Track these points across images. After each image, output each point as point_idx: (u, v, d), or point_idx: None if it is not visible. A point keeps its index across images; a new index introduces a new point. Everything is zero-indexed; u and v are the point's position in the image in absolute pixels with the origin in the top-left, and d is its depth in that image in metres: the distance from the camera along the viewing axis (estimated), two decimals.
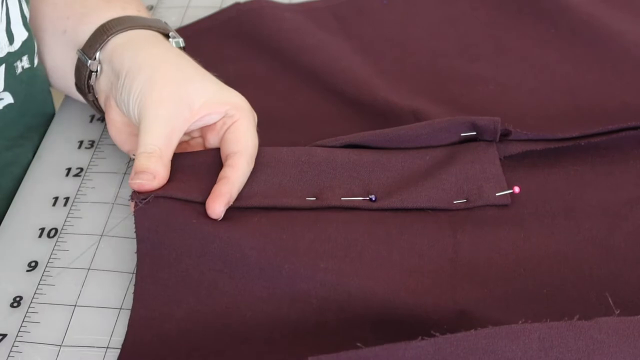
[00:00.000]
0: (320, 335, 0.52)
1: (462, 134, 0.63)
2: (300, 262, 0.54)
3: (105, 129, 0.71)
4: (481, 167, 0.61)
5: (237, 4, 0.81)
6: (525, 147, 0.62)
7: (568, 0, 0.77)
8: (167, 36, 0.66)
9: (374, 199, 0.59)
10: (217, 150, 0.61)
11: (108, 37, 0.63)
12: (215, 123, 0.61)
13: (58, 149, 0.70)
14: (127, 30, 0.64)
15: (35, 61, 0.68)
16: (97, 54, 0.64)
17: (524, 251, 0.57)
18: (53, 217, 0.64)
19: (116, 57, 0.63)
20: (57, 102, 0.75)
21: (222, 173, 0.58)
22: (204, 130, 0.62)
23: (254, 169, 0.60)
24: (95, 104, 0.67)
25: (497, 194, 0.60)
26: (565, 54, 0.73)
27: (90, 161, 0.69)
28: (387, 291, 0.54)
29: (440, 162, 0.62)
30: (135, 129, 0.62)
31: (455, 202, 0.60)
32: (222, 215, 0.57)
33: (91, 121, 0.72)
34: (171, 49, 0.64)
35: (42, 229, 0.63)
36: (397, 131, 0.63)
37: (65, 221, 0.64)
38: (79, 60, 0.65)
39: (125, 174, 0.67)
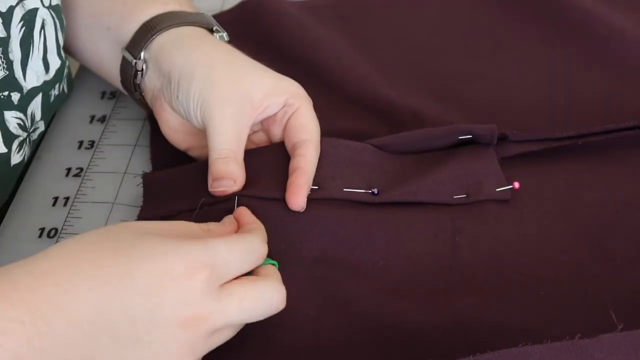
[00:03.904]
0: (316, 342, 0.52)
1: (459, 137, 0.63)
2: (297, 270, 0.54)
3: (105, 129, 0.71)
4: (480, 165, 0.61)
5: (242, 3, 0.81)
6: (523, 149, 0.62)
7: None
8: (210, 30, 0.65)
9: (376, 192, 0.59)
10: (281, 144, 0.60)
11: (152, 35, 0.63)
12: (275, 114, 0.60)
13: (58, 149, 0.71)
14: (171, 28, 0.63)
15: (65, 88, 0.68)
16: (142, 53, 0.63)
17: (523, 250, 0.57)
18: (53, 217, 0.64)
19: (164, 57, 0.62)
20: None
21: (294, 164, 0.58)
22: (265, 123, 0.62)
23: None
24: (141, 101, 0.67)
25: (498, 189, 0.60)
26: (565, 52, 0.73)
27: (90, 161, 0.69)
28: (384, 300, 0.54)
29: (439, 162, 0.62)
30: (192, 128, 0.62)
31: (455, 196, 0.59)
32: (305, 207, 0.57)
33: (91, 122, 0.72)
34: (220, 44, 0.63)
35: (42, 229, 0.63)
36: (393, 139, 0.63)
37: (65, 221, 0.64)
38: (124, 59, 0.65)
39: (125, 173, 0.67)
